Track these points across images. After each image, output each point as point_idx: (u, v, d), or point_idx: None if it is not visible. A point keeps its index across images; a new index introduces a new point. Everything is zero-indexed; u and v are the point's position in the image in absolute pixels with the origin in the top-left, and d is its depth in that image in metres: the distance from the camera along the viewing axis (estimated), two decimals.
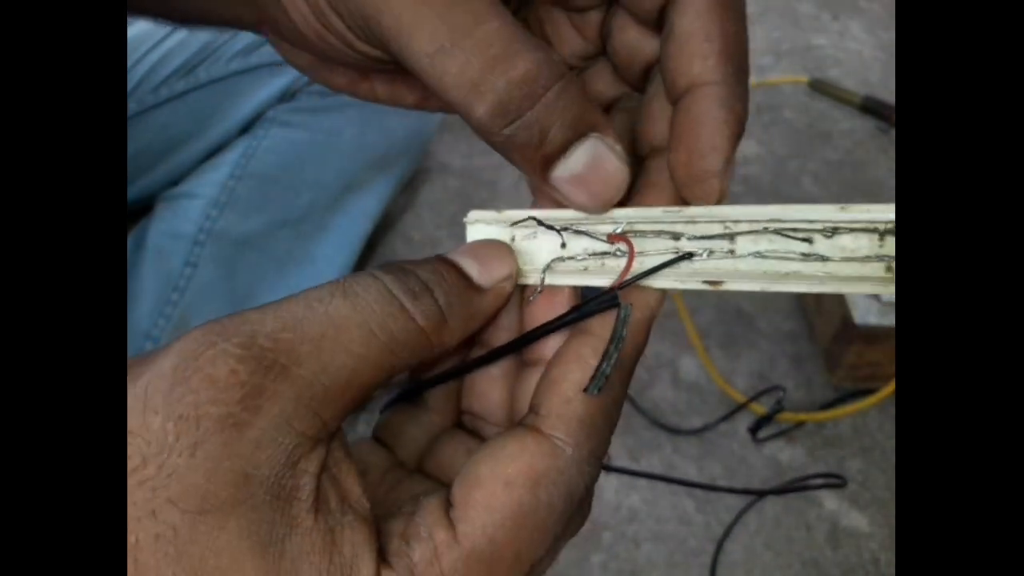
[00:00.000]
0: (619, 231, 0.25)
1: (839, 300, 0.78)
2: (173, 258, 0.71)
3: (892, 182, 1.08)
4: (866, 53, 1.34)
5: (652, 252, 0.25)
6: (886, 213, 0.23)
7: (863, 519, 0.71)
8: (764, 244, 0.24)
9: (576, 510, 0.23)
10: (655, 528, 0.71)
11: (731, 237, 0.24)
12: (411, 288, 0.22)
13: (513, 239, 0.27)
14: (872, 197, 1.04)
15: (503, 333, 0.27)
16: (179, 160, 0.80)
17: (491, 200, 1.06)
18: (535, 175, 0.23)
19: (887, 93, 1.19)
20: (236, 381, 0.18)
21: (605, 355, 0.23)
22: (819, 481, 0.72)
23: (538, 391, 0.23)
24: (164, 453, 0.17)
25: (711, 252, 0.24)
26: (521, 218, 0.27)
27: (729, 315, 0.89)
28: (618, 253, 0.25)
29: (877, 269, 0.23)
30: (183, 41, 0.77)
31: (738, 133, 0.24)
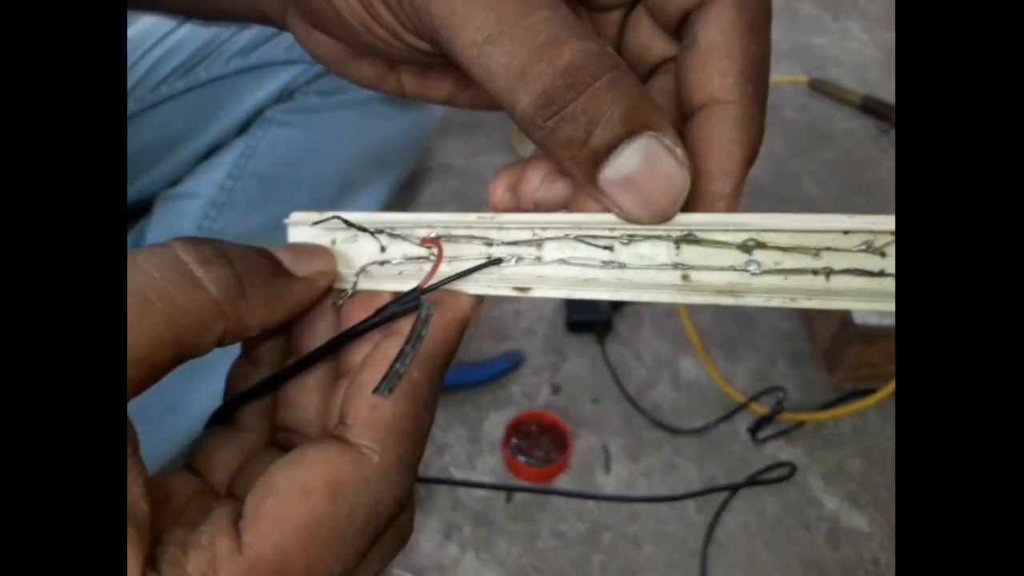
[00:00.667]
0: (434, 235, 0.25)
1: None
2: None
3: (892, 182, 1.08)
4: (866, 53, 1.34)
5: (467, 257, 0.25)
6: (685, 219, 0.23)
7: (863, 519, 0.71)
8: (568, 251, 0.24)
9: (385, 524, 0.22)
10: (655, 528, 0.71)
11: (539, 244, 0.24)
12: (204, 255, 0.21)
13: (334, 242, 0.27)
14: (872, 197, 1.04)
15: (320, 342, 0.26)
16: (178, 160, 0.80)
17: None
18: (582, 176, 0.22)
19: (887, 93, 1.19)
20: None
21: (400, 354, 0.22)
22: (773, 475, 0.72)
23: (345, 398, 0.23)
24: None
25: (519, 258, 0.25)
26: (325, 218, 0.26)
27: (729, 315, 0.89)
28: (432, 258, 0.25)
29: (673, 277, 0.23)
30: (183, 40, 0.77)
31: (751, 156, 0.23)
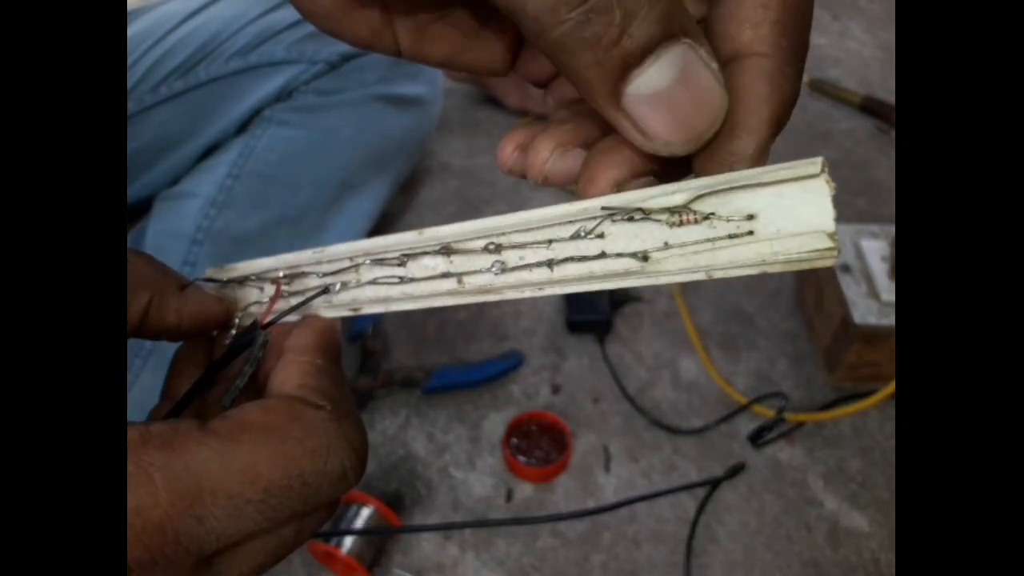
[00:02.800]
0: (281, 275, 0.30)
1: (839, 300, 0.78)
2: (171, 257, 0.71)
3: (892, 182, 1.08)
4: (866, 53, 1.34)
5: (310, 288, 0.29)
6: (450, 230, 0.26)
7: (863, 519, 0.71)
8: (377, 272, 0.27)
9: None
10: (655, 528, 0.71)
11: (356, 268, 0.28)
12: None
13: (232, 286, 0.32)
14: (872, 197, 1.04)
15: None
16: (177, 159, 0.80)
17: (491, 200, 1.06)
18: (605, 90, 0.18)
19: (887, 93, 1.19)
20: None
21: (240, 372, 0.27)
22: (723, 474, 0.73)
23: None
24: None
25: (344, 284, 0.28)
26: (204, 278, 0.31)
27: (729, 315, 0.89)
28: (284, 295, 0.30)
29: (451, 284, 0.26)
30: (182, 40, 0.77)
31: (781, 117, 0.21)
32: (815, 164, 0.18)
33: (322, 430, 0.22)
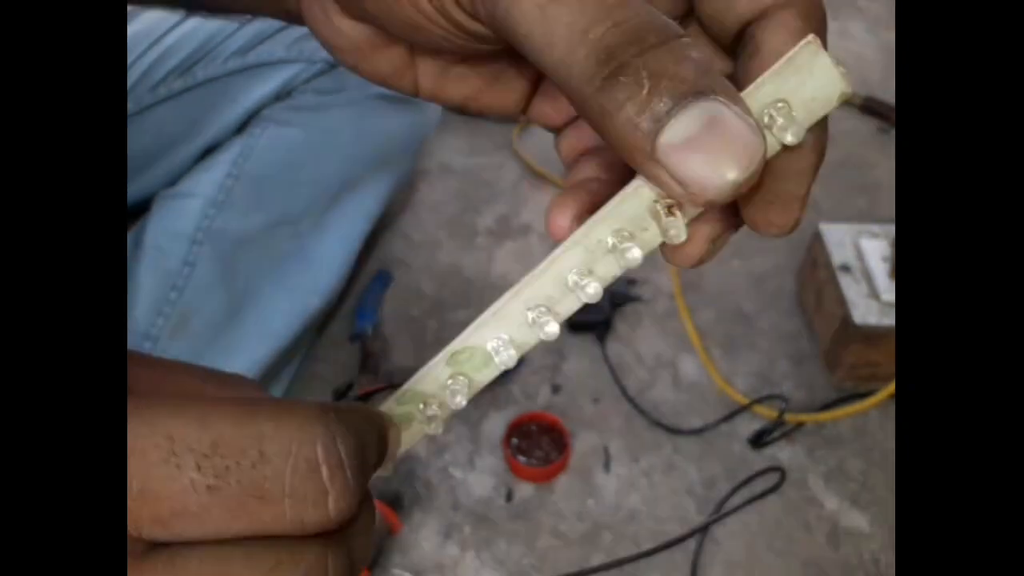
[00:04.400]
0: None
1: (839, 300, 0.78)
2: (171, 257, 0.71)
3: (892, 182, 1.08)
4: (866, 53, 1.34)
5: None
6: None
7: (863, 519, 0.71)
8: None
9: None
10: (655, 528, 0.71)
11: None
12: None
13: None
14: (872, 197, 1.04)
15: None
16: (176, 159, 0.80)
17: (491, 200, 1.06)
18: (641, 144, 0.19)
19: (887, 93, 1.19)
20: None
21: None
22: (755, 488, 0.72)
23: None
24: None
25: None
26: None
27: (729, 315, 0.89)
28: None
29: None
30: (180, 40, 0.77)
31: (820, 162, 0.21)
32: (808, 43, 0.20)
33: (310, 416, 0.18)
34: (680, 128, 0.18)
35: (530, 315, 0.24)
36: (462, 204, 1.06)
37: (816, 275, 0.84)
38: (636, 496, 0.74)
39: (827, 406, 0.79)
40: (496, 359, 0.24)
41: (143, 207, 0.76)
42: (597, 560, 0.69)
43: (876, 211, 1.02)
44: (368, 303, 0.90)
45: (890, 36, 1.38)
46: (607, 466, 0.76)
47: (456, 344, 0.24)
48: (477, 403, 0.81)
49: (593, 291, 0.23)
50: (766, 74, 0.20)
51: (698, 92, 0.18)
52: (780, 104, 0.20)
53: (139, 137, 0.76)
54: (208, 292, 0.72)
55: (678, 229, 0.21)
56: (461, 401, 0.25)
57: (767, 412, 0.78)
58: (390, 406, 0.25)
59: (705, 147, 0.18)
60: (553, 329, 0.24)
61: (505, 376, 0.83)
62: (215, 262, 0.73)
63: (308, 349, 0.85)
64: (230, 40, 0.78)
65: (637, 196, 0.21)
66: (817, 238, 0.84)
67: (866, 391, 0.78)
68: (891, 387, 0.76)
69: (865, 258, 0.79)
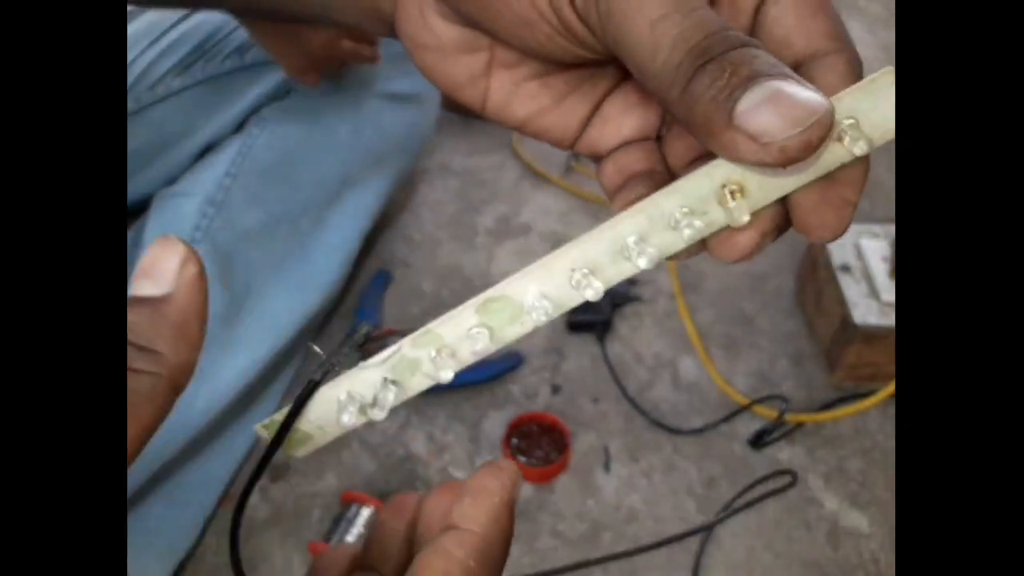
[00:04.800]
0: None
1: (839, 300, 0.78)
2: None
3: (892, 182, 1.08)
4: (866, 53, 1.34)
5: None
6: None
7: (863, 519, 0.71)
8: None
9: None
10: (655, 528, 0.71)
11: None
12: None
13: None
14: (872, 197, 1.04)
15: None
16: (175, 158, 0.80)
17: (491, 200, 1.06)
18: (720, 117, 0.21)
19: None
20: None
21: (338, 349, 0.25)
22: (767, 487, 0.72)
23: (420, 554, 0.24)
24: None
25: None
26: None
27: (729, 315, 0.89)
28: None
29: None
30: (179, 39, 0.77)
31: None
32: (887, 72, 0.22)
33: None
34: (754, 97, 0.21)
35: (575, 275, 0.24)
36: (462, 204, 1.06)
37: (816, 275, 0.84)
38: (636, 496, 0.74)
39: (827, 406, 0.79)
40: (529, 315, 0.24)
41: (142, 206, 0.76)
42: None
43: (876, 211, 1.02)
44: (368, 303, 0.90)
45: (890, 36, 1.38)
46: (607, 466, 0.76)
47: (493, 291, 0.24)
48: (477, 403, 0.81)
49: (646, 261, 0.23)
50: (846, 91, 0.22)
51: (769, 75, 0.21)
52: (850, 120, 0.22)
53: (137, 136, 0.76)
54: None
55: (740, 211, 0.22)
56: (480, 349, 0.24)
57: (767, 412, 0.78)
58: (404, 346, 0.24)
59: (775, 105, 0.21)
60: (595, 291, 0.24)
61: (505, 376, 0.83)
62: (214, 261, 0.73)
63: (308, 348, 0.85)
64: (229, 39, 0.78)
65: (707, 176, 0.23)
66: None
67: (866, 391, 0.78)
68: (891, 387, 0.76)
69: (865, 258, 0.79)
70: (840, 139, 0.22)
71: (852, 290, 0.77)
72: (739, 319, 0.89)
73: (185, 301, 0.21)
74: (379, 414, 0.25)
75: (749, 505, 0.71)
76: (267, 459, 0.25)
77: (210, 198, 0.74)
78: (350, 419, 0.25)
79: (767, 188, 0.23)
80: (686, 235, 0.23)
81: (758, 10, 0.25)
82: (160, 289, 0.21)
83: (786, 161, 0.21)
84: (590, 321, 0.87)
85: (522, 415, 0.78)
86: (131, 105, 0.75)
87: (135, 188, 0.80)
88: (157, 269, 0.21)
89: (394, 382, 0.25)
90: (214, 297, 0.79)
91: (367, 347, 0.26)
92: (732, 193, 0.22)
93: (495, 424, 0.79)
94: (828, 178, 0.23)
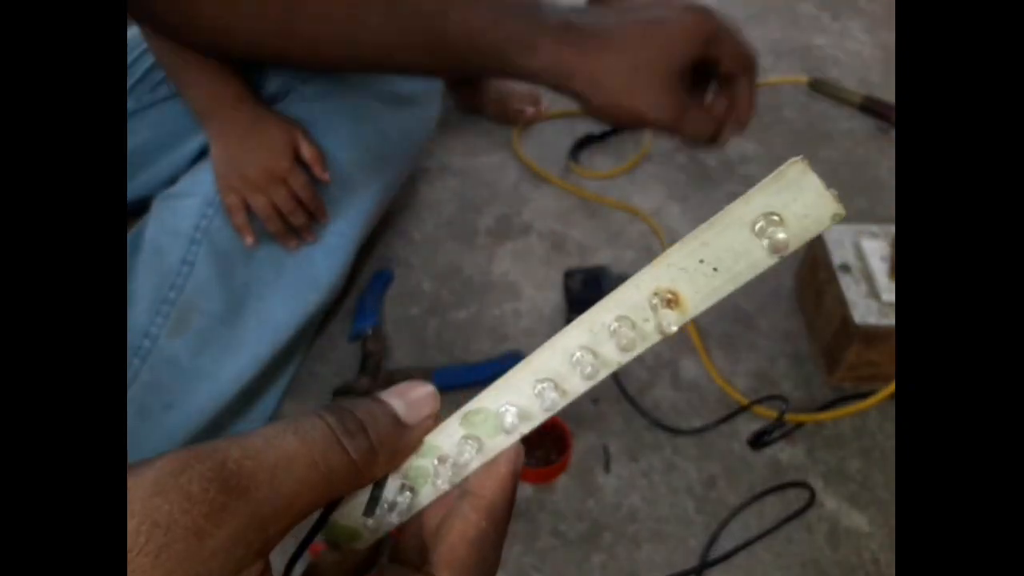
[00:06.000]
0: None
1: (839, 300, 0.78)
2: (170, 256, 0.71)
3: (892, 182, 1.08)
4: (866, 53, 1.34)
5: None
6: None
7: (863, 519, 0.71)
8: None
9: None
10: (655, 528, 0.71)
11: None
12: (348, 428, 0.25)
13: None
14: (872, 197, 1.04)
15: None
16: (175, 158, 0.80)
17: (491, 200, 1.06)
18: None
19: (887, 93, 1.19)
20: (206, 498, 0.20)
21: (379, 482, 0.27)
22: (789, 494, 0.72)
23: (429, 544, 0.27)
24: (132, 552, 0.19)
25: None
26: None
27: (729, 315, 0.89)
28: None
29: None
30: None
31: None
32: (794, 162, 0.21)
33: None
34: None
35: (538, 387, 0.26)
36: (462, 204, 1.06)
37: (816, 275, 0.84)
38: (636, 496, 0.74)
39: (827, 406, 0.79)
40: (506, 423, 0.26)
41: (142, 206, 0.76)
42: (597, 560, 0.69)
43: (876, 211, 1.02)
44: (368, 303, 0.90)
45: (890, 36, 1.38)
46: (607, 466, 0.76)
47: (471, 404, 0.27)
48: None
49: (590, 373, 0.25)
50: (755, 187, 0.22)
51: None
52: (774, 216, 0.21)
53: (138, 135, 0.76)
54: (207, 291, 0.72)
55: (670, 321, 0.24)
56: (472, 462, 0.27)
57: (767, 412, 0.78)
58: (411, 460, 0.27)
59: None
60: (555, 401, 0.26)
61: None
62: (214, 261, 0.73)
63: (307, 348, 0.85)
64: None
65: (636, 287, 0.24)
66: (817, 238, 0.84)
67: (866, 391, 0.78)
68: (891, 387, 0.76)
69: (865, 258, 0.79)
70: (761, 235, 0.22)
71: (852, 290, 0.77)
72: (739, 319, 0.89)
73: (415, 439, 0.27)
74: (395, 519, 0.28)
75: (747, 504, 0.71)
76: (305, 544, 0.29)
77: (210, 198, 0.74)
78: (373, 521, 0.28)
79: (701, 293, 0.23)
80: (624, 344, 0.25)
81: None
82: (407, 418, 0.26)
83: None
84: None
85: None
86: (132, 105, 0.75)
87: (136, 188, 0.80)
88: (415, 405, 0.27)
89: (411, 488, 0.28)
90: (213, 297, 0.80)
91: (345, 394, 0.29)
92: (666, 301, 0.23)
93: None
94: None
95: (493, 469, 0.27)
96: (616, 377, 0.82)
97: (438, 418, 0.28)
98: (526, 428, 0.26)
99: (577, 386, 0.26)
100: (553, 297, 0.92)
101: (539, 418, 0.26)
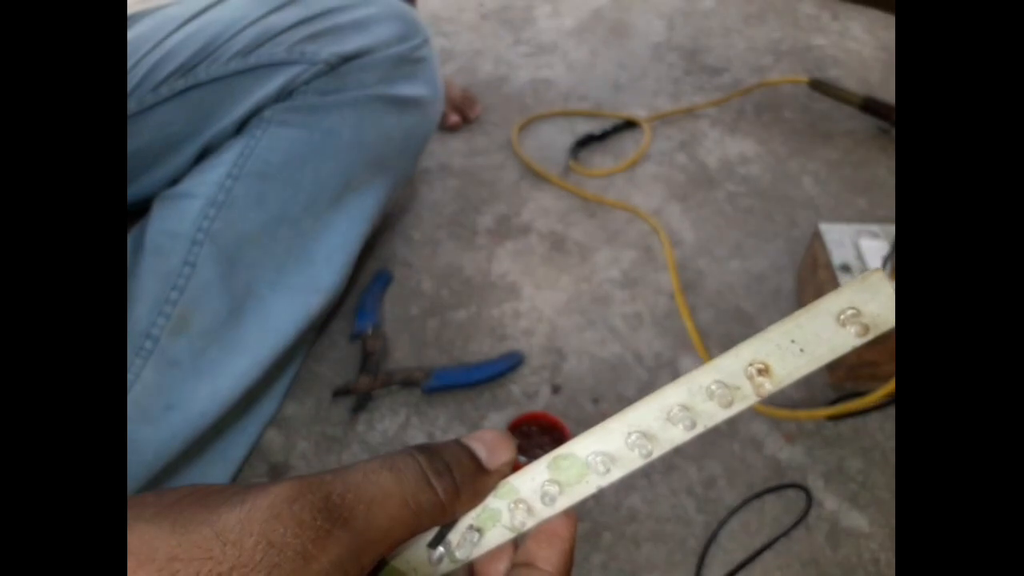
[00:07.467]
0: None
1: None
2: (172, 257, 0.71)
3: (892, 182, 1.08)
4: (866, 53, 1.34)
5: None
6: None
7: (863, 519, 0.71)
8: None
9: None
10: (655, 528, 0.71)
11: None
12: (437, 468, 0.27)
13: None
14: (872, 197, 1.04)
15: None
16: (177, 159, 0.80)
17: (491, 200, 1.06)
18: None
19: (887, 93, 1.19)
20: (314, 525, 0.23)
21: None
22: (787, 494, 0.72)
23: None
24: (248, 567, 0.21)
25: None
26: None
27: (729, 315, 0.89)
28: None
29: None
30: (183, 42, 0.77)
31: None
32: (876, 271, 0.25)
33: None
34: None
35: (631, 438, 0.28)
36: (462, 204, 1.06)
37: (816, 275, 0.84)
38: (636, 496, 0.74)
39: (827, 406, 0.79)
40: (591, 472, 0.28)
41: (143, 207, 0.76)
42: (597, 560, 0.69)
43: (876, 211, 1.02)
44: (368, 303, 0.90)
45: (890, 36, 1.38)
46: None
47: (561, 449, 0.29)
48: (477, 403, 0.81)
49: (682, 431, 0.28)
50: (845, 286, 0.26)
51: None
52: (852, 310, 0.25)
53: (140, 136, 0.76)
54: (209, 292, 0.72)
55: (766, 386, 0.27)
56: (545, 511, 0.29)
57: (768, 412, 0.78)
58: (487, 501, 0.29)
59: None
60: (644, 454, 0.28)
61: (505, 376, 0.83)
62: (215, 262, 0.73)
63: (308, 349, 0.85)
64: (232, 41, 0.78)
65: (736, 356, 0.28)
66: (817, 238, 0.84)
67: (866, 391, 0.78)
68: (891, 387, 0.76)
69: (865, 258, 0.79)
70: (844, 325, 0.26)
71: None
72: (739, 319, 0.89)
73: (494, 482, 0.29)
74: (462, 554, 0.29)
75: (746, 503, 0.70)
76: None
77: (212, 199, 0.74)
78: (439, 558, 0.30)
79: (788, 368, 0.27)
80: (723, 405, 0.28)
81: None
82: (488, 463, 0.29)
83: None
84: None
85: (522, 415, 0.78)
86: (134, 106, 0.75)
87: (137, 189, 0.80)
88: (495, 451, 0.30)
89: (478, 529, 0.29)
90: (214, 298, 0.80)
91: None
92: (759, 371, 0.27)
93: (495, 424, 0.79)
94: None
95: (556, 543, 0.29)
96: (616, 377, 0.82)
97: (514, 465, 0.30)
98: (616, 475, 0.28)
99: (667, 442, 0.28)
100: (553, 297, 0.92)
101: (628, 467, 0.28)
